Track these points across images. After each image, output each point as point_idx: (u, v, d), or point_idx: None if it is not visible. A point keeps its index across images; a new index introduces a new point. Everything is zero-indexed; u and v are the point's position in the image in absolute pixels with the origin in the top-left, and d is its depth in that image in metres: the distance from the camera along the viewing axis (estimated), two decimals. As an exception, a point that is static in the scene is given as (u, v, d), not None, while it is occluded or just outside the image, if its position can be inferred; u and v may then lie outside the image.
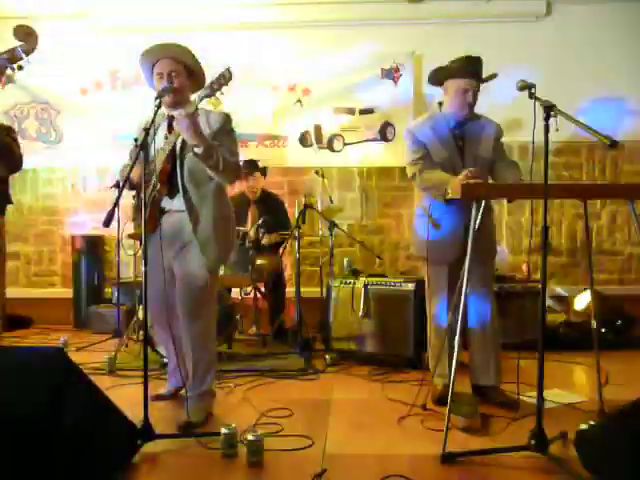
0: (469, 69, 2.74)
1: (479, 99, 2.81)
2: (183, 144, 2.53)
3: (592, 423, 2.05)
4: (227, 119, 2.61)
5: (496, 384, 2.81)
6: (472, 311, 2.81)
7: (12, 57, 2.68)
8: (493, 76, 2.80)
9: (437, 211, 2.76)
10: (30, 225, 5.10)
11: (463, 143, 2.81)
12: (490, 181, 2.84)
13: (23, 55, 2.68)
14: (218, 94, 2.46)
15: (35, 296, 5.00)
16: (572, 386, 3.12)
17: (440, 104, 2.88)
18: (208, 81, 2.49)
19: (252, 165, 4.33)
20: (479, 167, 2.71)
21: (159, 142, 2.55)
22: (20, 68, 2.69)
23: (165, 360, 3.07)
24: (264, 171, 4.44)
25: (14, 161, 2.99)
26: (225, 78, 2.40)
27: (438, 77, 2.85)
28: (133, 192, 2.65)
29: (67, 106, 4.94)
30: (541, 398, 2.15)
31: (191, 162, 2.53)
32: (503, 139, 2.93)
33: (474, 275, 2.70)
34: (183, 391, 2.84)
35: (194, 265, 2.58)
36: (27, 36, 2.71)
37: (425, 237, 2.74)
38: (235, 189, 4.36)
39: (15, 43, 2.69)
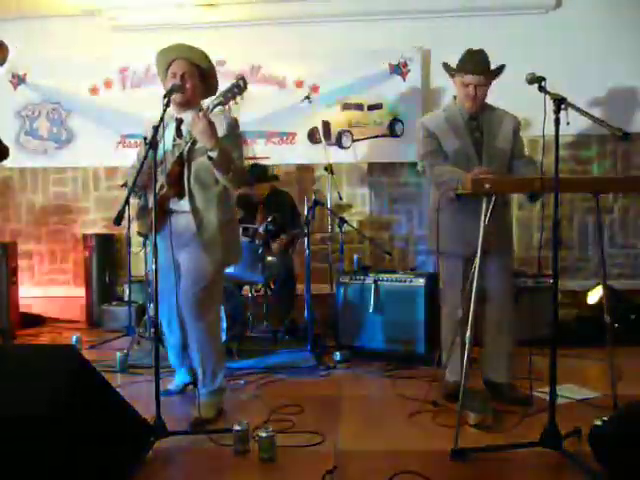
0: (468, 65, 2.72)
1: (489, 94, 2.79)
2: (191, 147, 2.53)
3: (606, 419, 2.03)
4: (235, 123, 2.61)
5: (508, 381, 2.80)
6: (488, 306, 2.79)
7: None
8: (500, 68, 2.77)
9: (452, 206, 2.74)
10: (42, 224, 5.14)
11: (481, 135, 2.77)
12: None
13: None
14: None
15: (47, 295, 5.05)
16: (585, 382, 3.09)
17: (455, 97, 2.86)
18: (221, 89, 2.45)
19: (262, 176, 4.23)
20: (494, 164, 2.70)
21: (167, 143, 2.55)
22: None
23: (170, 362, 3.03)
24: (275, 179, 4.39)
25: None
26: (239, 88, 2.35)
27: (449, 72, 2.84)
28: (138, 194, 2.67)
29: (77, 106, 4.96)
30: (554, 394, 2.13)
31: (198, 165, 2.55)
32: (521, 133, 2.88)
33: (491, 270, 2.69)
34: (191, 386, 2.87)
35: (198, 265, 2.59)
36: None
37: (439, 231, 2.72)
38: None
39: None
